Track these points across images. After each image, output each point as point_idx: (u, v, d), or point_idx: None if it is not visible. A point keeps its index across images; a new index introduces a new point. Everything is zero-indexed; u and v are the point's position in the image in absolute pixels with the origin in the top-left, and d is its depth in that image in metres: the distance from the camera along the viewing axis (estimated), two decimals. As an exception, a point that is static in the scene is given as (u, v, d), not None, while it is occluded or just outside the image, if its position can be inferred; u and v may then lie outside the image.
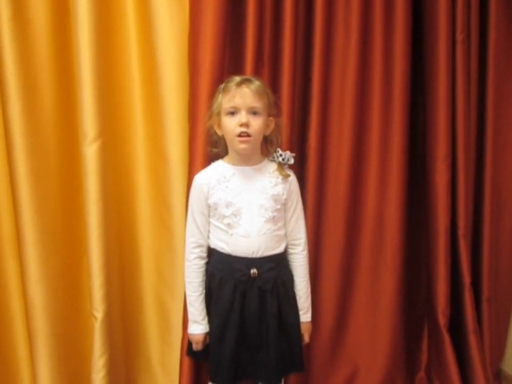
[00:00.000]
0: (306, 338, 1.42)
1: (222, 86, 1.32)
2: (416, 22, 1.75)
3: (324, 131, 1.70)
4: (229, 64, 1.56)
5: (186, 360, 1.51)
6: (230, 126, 1.27)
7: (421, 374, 1.87)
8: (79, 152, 1.48)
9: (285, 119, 1.57)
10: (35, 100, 1.46)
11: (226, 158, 1.37)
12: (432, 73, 1.72)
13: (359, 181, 1.77)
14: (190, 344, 1.41)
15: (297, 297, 1.39)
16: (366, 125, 1.76)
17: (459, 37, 1.69)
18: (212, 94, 1.40)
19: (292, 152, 1.56)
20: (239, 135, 1.26)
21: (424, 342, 1.90)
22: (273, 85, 1.60)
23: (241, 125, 1.25)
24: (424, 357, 1.89)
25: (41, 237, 1.49)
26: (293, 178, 1.39)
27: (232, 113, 1.27)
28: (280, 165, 1.38)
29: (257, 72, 1.55)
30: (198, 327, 1.35)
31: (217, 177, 1.32)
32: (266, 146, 1.38)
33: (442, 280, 1.75)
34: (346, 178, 1.75)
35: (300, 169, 1.68)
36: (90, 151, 1.46)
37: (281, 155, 1.37)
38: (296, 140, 1.67)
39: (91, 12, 1.42)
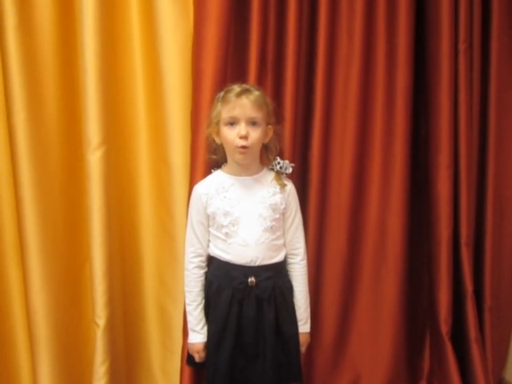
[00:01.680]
0: (302, 349, 1.41)
1: (221, 95, 1.32)
2: (419, 31, 1.75)
3: (326, 138, 1.70)
4: (233, 72, 1.57)
5: (187, 368, 1.50)
6: (230, 137, 1.27)
7: (423, 382, 1.86)
8: (83, 159, 1.49)
9: (287, 127, 1.57)
10: (39, 107, 1.47)
11: (225, 168, 1.38)
12: (434, 82, 1.73)
13: (362, 188, 1.77)
14: (189, 354, 1.40)
15: (296, 308, 1.38)
16: (368, 133, 1.76)
17: (461, 46, 1.70)
18: (214, 102, 1.40)
19: (294, 160, 1.57)
20: (239, 147, 1.26)
21: (426, 350, 1.89)
22: (276, 92, 1.61)
23: (240, 137, 1.25)
24: (426, 365, 1.88)
25: (43, 243, 1.50)
26: (291, 188, 1.39)
27: (232, 123, 1.27)
28: (278, 174, 1.38)
29: (260, 80, 1.56)
30: (197, 336, 1.35)
31: (215, 187, 1.33)
32: (266, 154, 1.39)
33: (445, 288, 1.74)
34: (349, 186, 1.75)
35: (302, 176, 1.69)
36: (94, 158, 1.47)
37: (279, 163, 1.38)
38: (299, 148, 1.68)
39: (96, 20, 1.43)
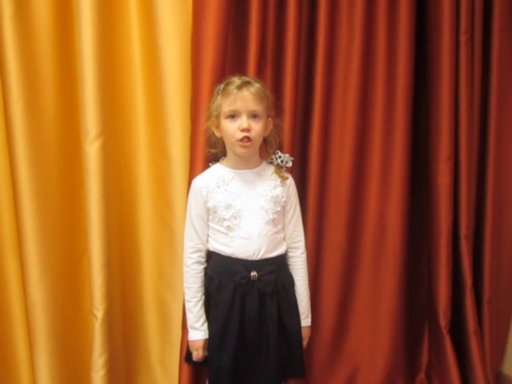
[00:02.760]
0: (304, 343, 1.41)
1: (221, 87, 1.30)
2: (419, 22, 1.74)
3: (326, 132, 1.70)
4: (232, 64, 1.56)
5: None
6: (231, 130, 1.25)
7: (421, 375, 1.87)
8: (81, 150, 1.48)
9: (287, 119, 1.56)
10: (37, 98, 1.46)
11: (224, 161, 1.36)
12: (435, 74, 1.72)
13: (361, 181, 1.77)
14: (187, 350, 1.39)
15: (298, 301, 1.38)
16: (368, 126, 1.75)
17: (463, 38, 1.68)
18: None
19: (293, 152, 1.56)
20: (240, 140, 1.25)
21: (425, 343, 1.89)
22: (276, 85, 1.60)
23: (242, 130, 1.24)
24: (424, 358, 1.89)
25: (41, 236, 1.49)
26: (291, 181, 1.38)
27: (233, 116, 1.26)
28: (278, 167, 1.37)
29: (260, 72, 1.55)
30: (198, 333, 1.33)
31: (216, 180, 1.32)
32: (266, 147, 1.38)
33: (444, 281, 1.74)
34: (348, 179, 1.74)
35: (301, 169, 1.68)
36: (92, 150, 1.46)
37: (280, 157, 1.37)
38: (298, 141, 1.67)
39: (94, 10, 1.42)
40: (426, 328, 1.90)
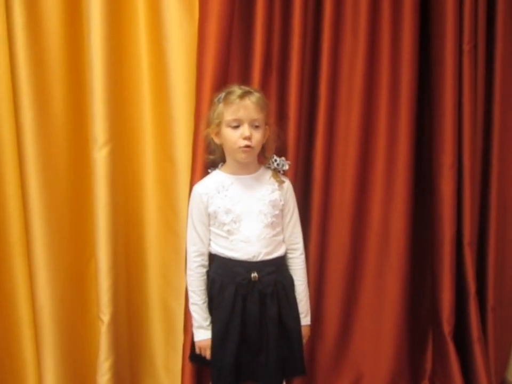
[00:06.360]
0: (303, 341, 1.43)
1: (222, 96, 1.33)
2: (423, 30, 1.75)
3: (330, 138, 1.71)
4: (238, 71, 1.58)
5: (189, 364, 1.51)
6: (233, 138, 1.29)
7: (425, 382, 1.86)
8: (89, 157, 1.51)
9: (292, 126, 1.58)
10: (47, 106, 1.49)
11: (224, 167, 1.39)
12: (439, 82, 1.73)
13: (365, 188, 1.78)
14: (192, 350, 1.42)
15: (298, 301, 1.40)
16: (372, 132, 1.76)
17: (466, 47, 1.69)
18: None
19: (298, 158, 1.58)
20: (242, 147, 1.28)
21: (429, 350, 1.89)
22: (281, 91, 1.62)
23: (244, 138, 1.27)
24: (428, 365, 1.88)
25: (49, 240, 1.52)
26: (288, 185, 1.41)
27: (235, 125, 1.29)
28: (275, 171, 1.40)
29: (265, 79, 1.57)
30: (205, 332, 1.36)
31: (215, 186, 1.35)
32: (263, 153, 1.41)
33: (447, 288, 1.74)
34: (352, 185, 1.75)
35: (306, 175, 1.69)
36: (100, 156, 1.49)
37: (276, 161, 1.41)
38: (302, 147, 1.68)
39: (103, 20, 1.45)
40: (430, 334, 1.89)
